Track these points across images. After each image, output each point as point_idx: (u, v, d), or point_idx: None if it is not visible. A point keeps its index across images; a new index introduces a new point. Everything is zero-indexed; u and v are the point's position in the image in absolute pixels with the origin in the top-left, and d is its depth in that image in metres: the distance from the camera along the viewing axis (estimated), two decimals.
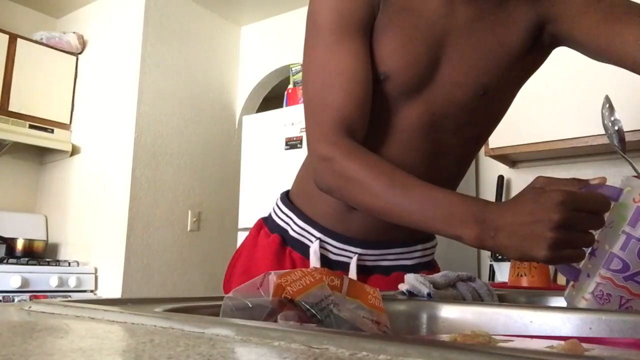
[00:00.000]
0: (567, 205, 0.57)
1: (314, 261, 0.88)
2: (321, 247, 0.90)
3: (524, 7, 0.84)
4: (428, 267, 0.97)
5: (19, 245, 3.05)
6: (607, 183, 0.63)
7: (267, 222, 0.99)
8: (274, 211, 0.98)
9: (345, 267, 0.89)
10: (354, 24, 0.78)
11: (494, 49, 0.83)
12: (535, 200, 0.60)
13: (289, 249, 0.92)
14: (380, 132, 0.84)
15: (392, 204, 0.70)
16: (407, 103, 0.82)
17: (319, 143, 0.78)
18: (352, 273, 0.88)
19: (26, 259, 2.92)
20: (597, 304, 0.58)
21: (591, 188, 0.62)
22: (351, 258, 0.90)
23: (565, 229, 0.58)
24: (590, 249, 0.63)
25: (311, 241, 0.91)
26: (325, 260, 0.90)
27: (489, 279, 2.23)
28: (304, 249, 0.91)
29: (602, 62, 0.82)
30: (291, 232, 0.93)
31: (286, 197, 0.98)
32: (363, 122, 0.79)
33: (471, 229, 0.63)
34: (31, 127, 3.18)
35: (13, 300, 2.68)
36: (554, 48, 0.89)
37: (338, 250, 0.90)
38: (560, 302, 0.78)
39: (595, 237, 0.62)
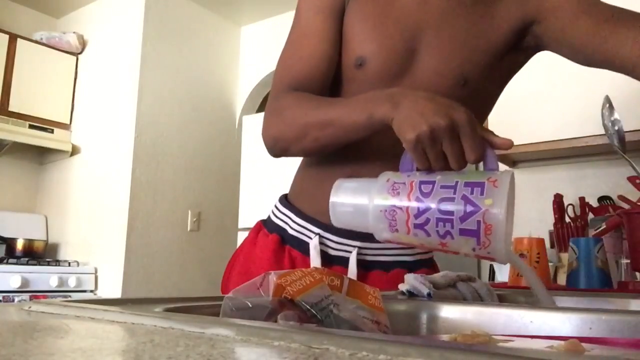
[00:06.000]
0: (459, 121, 0.61)
1: (314, 256, 0.88)
2: (321, 242, 0.90)
3: (508, 4, 0.85)
4: (428, 264, 0.97)
5: (19, 245, 3.05)
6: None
7: (265, 224, 1.00)
8: (273, 212, 1.00)
9: (345, 261, 0.89)
10: (324, 8, 0.89)
11: (473, 41, 0.85)
12: (441, 102, 0.64)
13: (288, 248, 0.93)
14: None
15: (321, 118, 0.79)
16: None
17: (270, 101, 0.89)
18: (352, 267, 0.88)
19: (26, 259, 2.92)
20: (387, 189, 0.62)
21: (488, 149, 0.64)
22: (350, 252, 0.90)
23: (438, 135, 0.62)
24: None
25: (310, 238, 0.91)
26: (325, 256, 0.90)
27: (489, 279, 2.23)
28: (303, 246, 0.91)
29: (591, 66, 0.83)
30: (290, 231, 0.93)
31: (285, 199, 0.99)
32: (316, 87, 0.87)
33: (383, 105, 0.70)
34: (31, 127, 3.18)
35: (13, 300, 2.68)
36: (537, 52, 0.90)
37: (337, 245, 0.90)
38: (560, 302, 0.78)
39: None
